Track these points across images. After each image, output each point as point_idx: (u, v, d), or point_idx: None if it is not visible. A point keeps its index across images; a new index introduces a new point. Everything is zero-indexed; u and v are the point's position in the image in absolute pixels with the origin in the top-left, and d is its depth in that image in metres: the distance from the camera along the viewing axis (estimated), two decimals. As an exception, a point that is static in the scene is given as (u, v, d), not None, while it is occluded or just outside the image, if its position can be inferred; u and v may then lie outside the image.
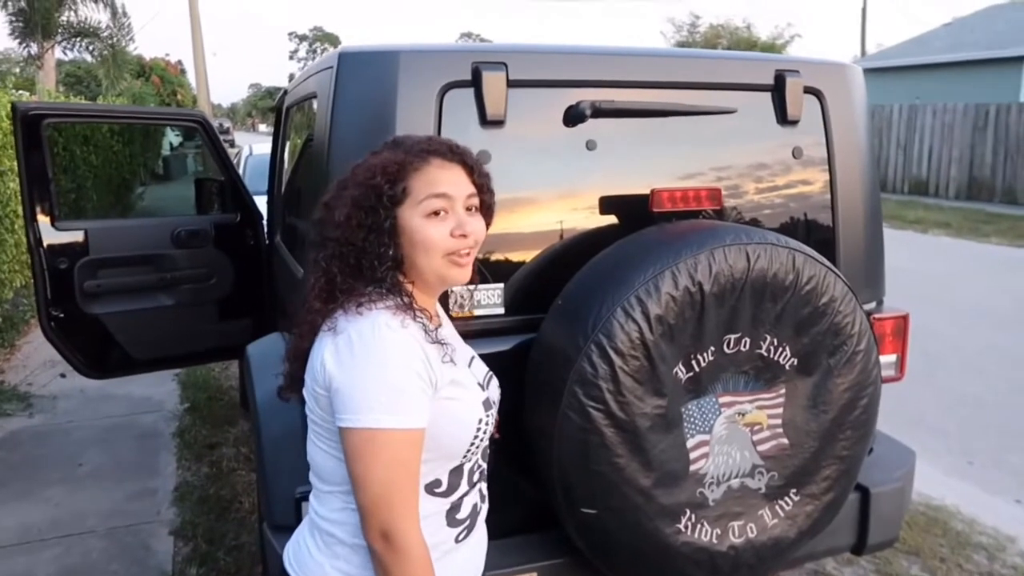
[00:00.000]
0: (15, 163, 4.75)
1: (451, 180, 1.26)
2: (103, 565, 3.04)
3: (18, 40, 15.31)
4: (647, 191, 1.98)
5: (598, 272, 1.78)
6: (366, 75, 1.86)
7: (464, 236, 1.25)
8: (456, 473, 1.28)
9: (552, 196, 1.97)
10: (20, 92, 11.47)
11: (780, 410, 1.81)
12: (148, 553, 3.12)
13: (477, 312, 1.88)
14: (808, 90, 2.15)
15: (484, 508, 1.39)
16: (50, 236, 3.21)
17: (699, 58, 2.17)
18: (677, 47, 39.43)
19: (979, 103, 14.96)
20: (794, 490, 1.85)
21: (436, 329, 1.27)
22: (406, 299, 1.24)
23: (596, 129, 1.94)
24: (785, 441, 1.82)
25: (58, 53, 17.55)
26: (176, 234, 3.43)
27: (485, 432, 1.29)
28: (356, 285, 1.23)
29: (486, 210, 1.34)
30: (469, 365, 1.35)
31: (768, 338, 1.76)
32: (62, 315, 3.26)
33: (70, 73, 28.20)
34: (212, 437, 4.20)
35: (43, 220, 3.18)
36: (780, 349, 1.78)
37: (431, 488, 1.26)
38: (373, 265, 1.23)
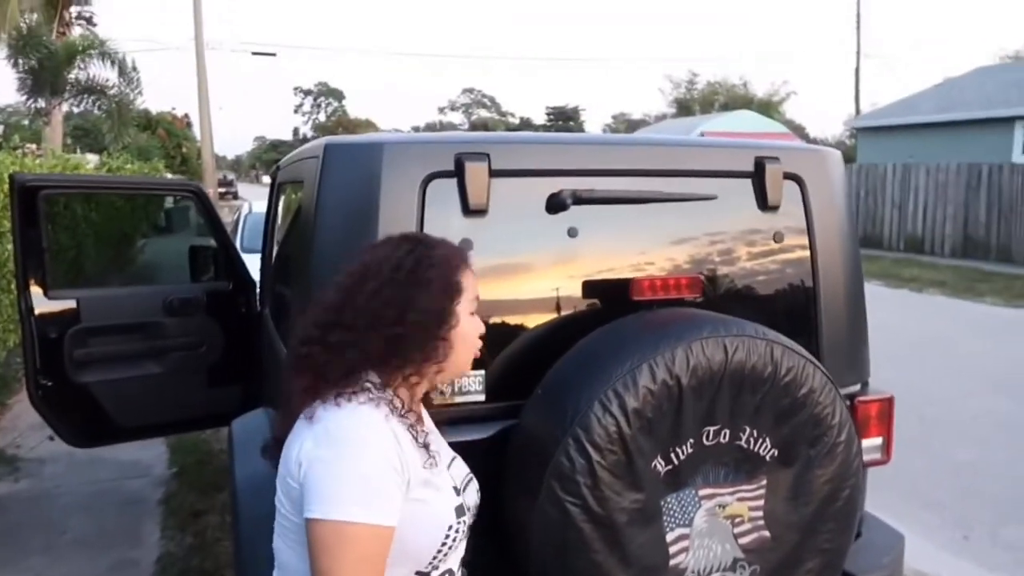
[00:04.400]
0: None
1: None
2: (80, 643, 2.97)
3: (26, 97, 15.60)
4: (628, 278, 2.00)
5: (576, 363, 1.78)
6: (350, 165, 1.90)
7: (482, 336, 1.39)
8: None
9: (534, 283, 1.99)
10: (27, 146, 11.66)
11: (761, 502, 1.79)
12: (127, 630, 3.06)
13: (458, 399, 1.88)
14: (788, 176, 2.19)
15: None
16: (42, 305, 3.22)
17: (679, 146, 2.22)
18: (675, 103, 40.20)
19: (972, 163, 15.18)
20: None
21: (422, 433, 1.27)
22: (399, 400, 1.25)
23: (578, 217, 1.96)
24: (767, 534, 1.80)
25: (66, 107, 17.87)
26: (168, 302, 3.45)
27: (455, 540, 1.27)
28: (350, 377, 1.22)
29: None
30: (448, 467, 1.34)
31: (748, 429, 1.75)
32: (50, 384, 3.26)
33: (78, 126, 28.68)
34: (198, 504, 4.15)
35: (35, 290, 3.20)
36: (760, 440, 1.77)
37: None
38: (407, 356, 1.25)
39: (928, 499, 4.24)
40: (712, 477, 1.76)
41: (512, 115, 77.39)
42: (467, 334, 1.32)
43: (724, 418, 1.73)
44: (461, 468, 1.39)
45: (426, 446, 1.24)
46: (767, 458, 1.78)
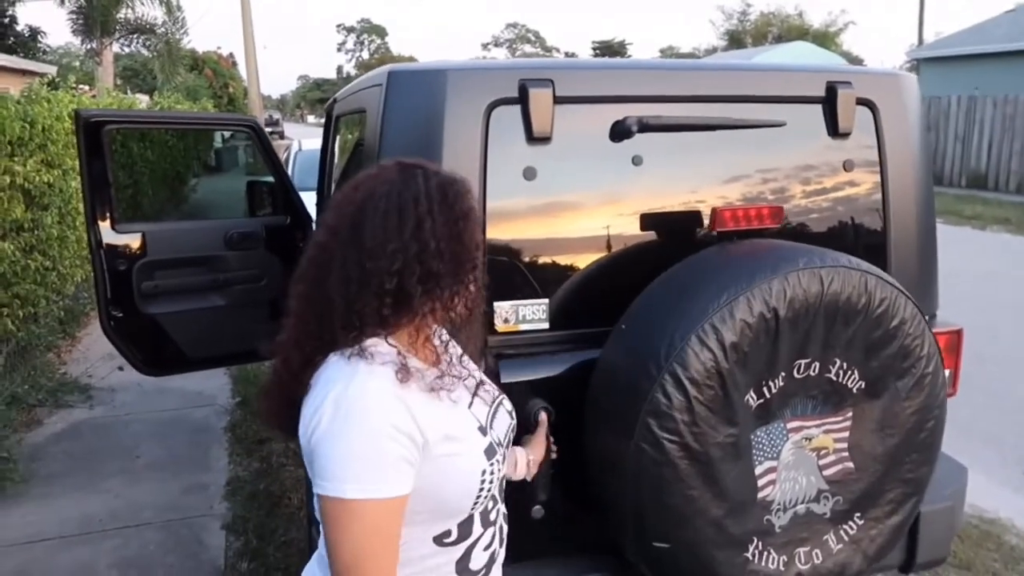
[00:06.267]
0: (76, 162, 4.94)
1: None
2: (159, 557, 3.16)
3: (79, 37, 15.81)
4: (694, 207, 1.97)
5: (666, 296, 1.75)
6: (414, 93, 1.89)
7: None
8: (467, 521, 1.23)
9: (597, 212, 1.98)
10: (80, 87, 11.84)
11: (846, 434, 1.77)
12: (201, 547, 3.23)
13: (522, 327, 1.89)
14: (860, 101, 2.11)
15: (502, 553, 1.33)
16: (110, 238, 3.31)
17: (747, 71, 2.14)
18: (727, 35, 38.81)
19: (1043, 94, 14.41)
20: (859, 514, 1.81)
21: (436, 366, 1.21)
22: (405, 352, 1.17)
23: (642, 144, 1.93)
24: (851, 465, 1.78)
25: (115, 48, 18.04)
26: (229, 236, 3.51)
27: (491, 482, 1.22)
28: (355, 331, 1.14)
29: None
30: (470, 405, 1.25)
31: (838, 362, 1.72)
32: (121, 314, 3.37)
33: (127, 67, 29.02)
34: (262, 432, 4.31)
35: (103, 223, 3.29)
36: (849, 373, 1.73)
37: (440, 539, 1.21)
38: (430, 296, 1.15)
39: (987, 436, 4.18)
40: (800, 410, 1.74)
41: (557, 50, 75.86)
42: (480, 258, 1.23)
43: (816, 351, 1.69)
44: (487, 395, 1.30)
45: (441, 388, 1.17)
46: (854, 390, 1.75)
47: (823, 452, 1.77)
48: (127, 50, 19.72)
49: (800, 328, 1.66)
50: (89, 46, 16.30)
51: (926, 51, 21.37)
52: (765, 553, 1.73)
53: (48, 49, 20.30)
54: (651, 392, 1.58)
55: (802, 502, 1.76)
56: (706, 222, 1.99)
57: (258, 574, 3.00)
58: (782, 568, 1.75)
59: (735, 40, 37.28)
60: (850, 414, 1.77)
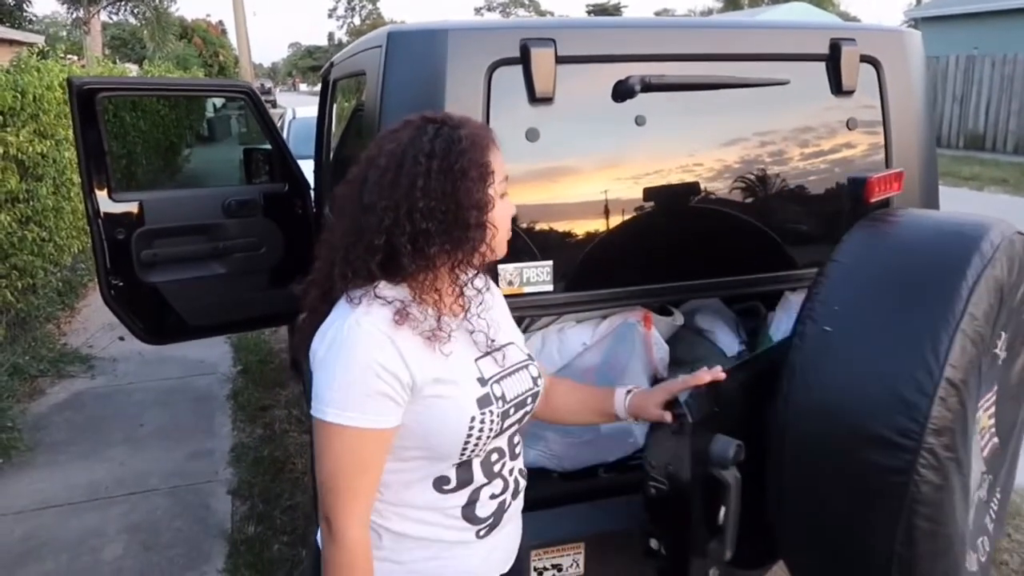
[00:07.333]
0: (70, 132, 4.90)
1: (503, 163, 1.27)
2: (167, 522, 3.19)
3: (65, 6, 15.56)
4: (699, 167, 1.97)
5: (891, 283, 1.48)
6: (415, 54, 1.87)
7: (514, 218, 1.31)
8: (464, 468, 1.25)
9: (600, 173, 1.97)
10: (69, 56, 11.69)
11: (994, 409, 1.61)
12: (208, 512, 3.27)
13: (526, 289, 1.90)
14: (864, 59, 2.09)
15: (516, 503, 1.35)
16: (108, 207, 3.29)
17: (751, 28, 2.12)
18: (722, -3, 38.31)
19: (1043, 53, 14.29)
20: (999, 488, 1.70)
21: (441, 316, 1.22)
22: (406, 301, 1.20)
23: (646, 104, 1.92)
24: (997, 440, 1.63)
25: (103, 16, 17.76)
26: (227, 204, 3.49)
27: (484, 431, 1.22)
28: (364, 277, 1.18)
29: None
30: (478, 358, 1.27)
31: (1003, 334, 1.53)
32: (121, 283, 3.37)
33: (115, 36, 28.59)
34: (264, 399, 4.34)
35: (100, 192, 3.27)
36: (1003, 343, 1.56)
37: (439, 485, 1.25)
38: (435, 250, 1.17)
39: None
40: (980, 393, 1.50)
41: (551, 14, 74.90)
42: (501, 218, 1.24)
43: (1001, 323, 1.49)
44: (501, 355, 1.31)
45: (435, 337, 1.19)
46: (1000, 361, 1.57)
47: (983, 432, 1.56)
48: (115, 19, 19.44)
49: (1006, 303, 1.45)
50: (76, 15, 16.07)
51: (924, 10, 21.14)
52: (970, 555, 1.55)
53: (34, 19, 19.97)
54: (929, 406, 1.30)
55: (976, 490, 1.56)
56: (703, 185, 1.99)
57: (265, 537, 3.04)
58: (976, 567, 1.57)
59: (731, 1, 36.82)
60: (995, 387, 1.58)
